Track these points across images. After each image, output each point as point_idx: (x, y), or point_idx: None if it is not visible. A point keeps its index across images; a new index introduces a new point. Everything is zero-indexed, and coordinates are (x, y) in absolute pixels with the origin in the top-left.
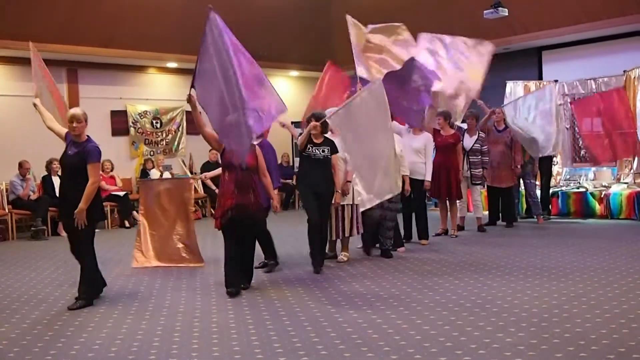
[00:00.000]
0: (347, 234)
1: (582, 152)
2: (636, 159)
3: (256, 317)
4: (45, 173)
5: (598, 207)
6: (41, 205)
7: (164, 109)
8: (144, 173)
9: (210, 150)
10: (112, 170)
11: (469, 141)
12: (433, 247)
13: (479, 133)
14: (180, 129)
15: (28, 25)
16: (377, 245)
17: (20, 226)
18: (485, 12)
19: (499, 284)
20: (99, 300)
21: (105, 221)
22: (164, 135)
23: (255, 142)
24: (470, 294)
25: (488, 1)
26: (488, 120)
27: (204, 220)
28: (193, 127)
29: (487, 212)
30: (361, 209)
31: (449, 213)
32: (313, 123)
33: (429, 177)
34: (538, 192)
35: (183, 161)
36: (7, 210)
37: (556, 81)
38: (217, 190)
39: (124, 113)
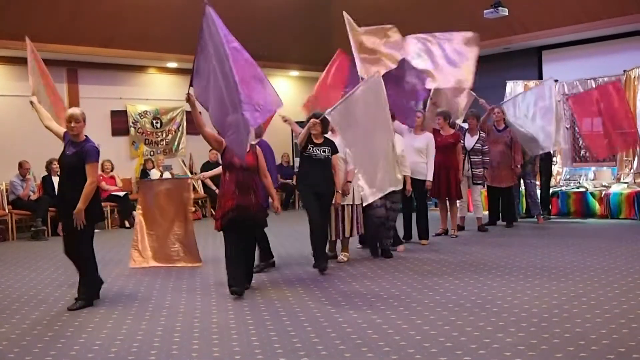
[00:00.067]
0: (347, 234)
1: (582, 151)
2: (636, 158)
3: (256, 318)
4: (45, 173)
5: (598, 207)
6: (41, 205)
7: (164, 109)
8: (144, 173)
9: (210, 150)
10: (112, 171)
11: (470, 141)
12: (433, 247)
13: (480, 133)
14: (180, 129)
15: (28, 25)
16: (377, 245)
17: (20, 226)
18: (485, 12)
19: (499, 284)
20: (98, 300)
21: (105, 221)
22: (164, 135)
23: (253, 142)
24: (470, 294)
25: (488, 1)
26: (488, 118)
27: (203, 220)
28: (193, 127)
29: (487, 212)
30: (364, 204)
31: (449, 213)
32: (313, 120)
33: (430, 177)
34: (538, 191)
35: (183, 161)
36: (7, 211)
37: (556, 81)
38: (217, 191)
39: (124, 113)
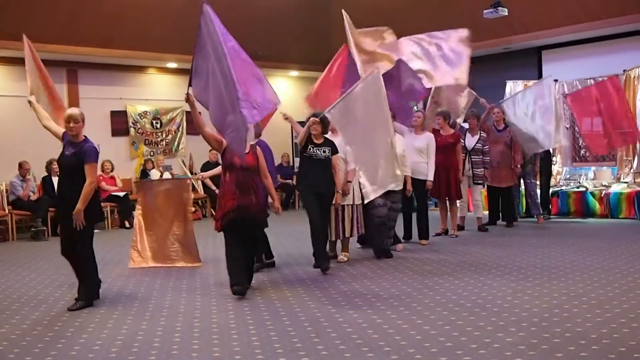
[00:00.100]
0: (347, 235)
1: (582, 151)
2: (636, 158)
3: (256, 318)
4: (45, 174)
5: (598, 207)
6: (41, 205)
7: (163, 109)
8: (144, 173)
9: (210, 151)
10: (112, 171)
11: (471, 141)
12: (433, 247)
13: (480, 133)
14: (180, 129)
15: (28, 25)
16: (383, 246)
17: (21, 227)
18: (485, 12)
19: (499, 283)
20: (98, 301)
21: (105, 221)
22: (164, 136)
23: (251, 142)
24: (470, 293)
25: (488, 1)
26: (487, 117)
27: (203, 220)
28: (193, 127)
29: (487, 212)
30: (366, 201)
31: (448, 213)
32: (312, 119)
33: (431, 177)
34: (538, 191)
35: (183, 161)
36: (7, 211)
37: (556, 81)
38: (217, 191)
39: (123, 113)
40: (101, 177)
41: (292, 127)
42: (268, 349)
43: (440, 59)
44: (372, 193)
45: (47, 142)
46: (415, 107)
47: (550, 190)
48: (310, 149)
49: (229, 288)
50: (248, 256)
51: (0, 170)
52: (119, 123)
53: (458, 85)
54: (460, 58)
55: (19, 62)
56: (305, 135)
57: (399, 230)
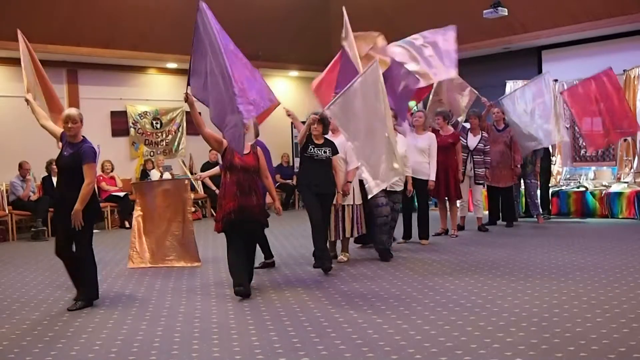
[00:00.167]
0: (347, 235)
1: (582, 151)
2: (636, 158)
3: (256, 318)
4: (46, 174)
5: (598, 207)
6: (41, 206)
7: (163, 110)
8: (144, 173)
9: (210, 151)
10: (112, 171)
11: (472, 140)
12: (433, 247)
13: (482, 133)
14: (180, 129)
15: (28, 25)
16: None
17: (21, 227)
18: (485, 12)
19: (499, 283)
20: (98, 301)
21: (105, 222)
22: (164, 136)
23: (251, 142)
24: (470, 293)
25: (488, 1)
26: (487, 115)
27: (203, 220)
28: (193, 127)
29: (487, 212)
30: (370, 196)
31: (448, 213)
32: (312, 116)
33: (433, 177)
34: (538, 192)
35: (183, 161)
36: (7, 211)
37: (556, 81)
38: (217, 191)
39: (124, 114)
40: (101, 177)
41: (292, 125)
42: (268, 349)
43: (435, 58)
44: (375, 188)
45: (47, 142)
46: (415, 108)
47: (550, 190)
48: (311, 149)
49: (229, 288)
50: (249, 257)
51: (0, 170)
52: (119, 123)
53: (460, 84)
54: (450, 54)
55: (20, 62)
56: (305, 134)
57: (399, 230)
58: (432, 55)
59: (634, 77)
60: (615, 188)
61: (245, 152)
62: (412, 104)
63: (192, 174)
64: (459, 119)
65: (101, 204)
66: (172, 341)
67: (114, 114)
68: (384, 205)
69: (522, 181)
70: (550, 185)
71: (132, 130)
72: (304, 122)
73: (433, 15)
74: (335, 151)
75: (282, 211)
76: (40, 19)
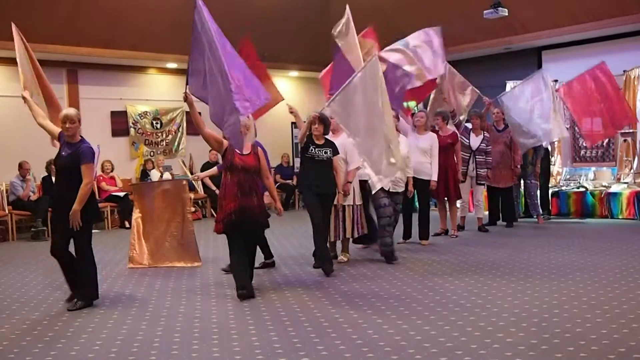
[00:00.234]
0: (348, 235)
1: (582, 151)
2: (636, 158)
3: (256, 318)
4: (46, 173)
5: (598, 207)
6: (41, 206)
7: (164, 110)
8: (144, 174)
9: (210, 151)
10: (112, 171)
11: (475, 141)
12: (433, 247)
13: (484, 133)
14: (180, 129)
15: (28, 25)
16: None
17: (21, 227)
18: (485, 12)
19: (499, 284)
20: (98, 301)
21: (106, 222)
22: (164, 136)
23: (250, 142)
24: (470, 294)
25: (488, 1)
26: (487, 112)
27: (204, 220)
28: (193, 127)
29: (487, 212)
30: (373, 192)
31: (448, 213)
32: (313, 114)
33: (435, 177)
34: (538, 192)
35: (183, 162)
36: (7, 211)
37: (556, 81)
38: (217, 191)
39: (124, 114)
40: (101, 178)
41: (292, 125)
42: (268, 349)
43: (427, 58)
44: (378, 183)
45: (47, 142)
46: (416, 108)
47: (550, 191)
48: (311, 150)
49: (230, 288)
50: (250, 257)
51: (0, 170)
52: (119, 123)
53: (461, 83)
54: (437, 52)
55: None
56: (305, 133)
57: (399, 230)
58: (423, 54)
59: (634, 77)
60: (615, 188)
61: (246, 152)
62: (412, 104)
63: (192, 174)
64: (461, 118)
65: (101, 204)
66: (172, 341)
67: (114, 114)
68: (387, 206)
69: (521, 181)
70: (550, 185)
71: (132, 130)
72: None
73: (433, 15)
74: (336, 151)
75: (283, 211)
76: (40, 19)
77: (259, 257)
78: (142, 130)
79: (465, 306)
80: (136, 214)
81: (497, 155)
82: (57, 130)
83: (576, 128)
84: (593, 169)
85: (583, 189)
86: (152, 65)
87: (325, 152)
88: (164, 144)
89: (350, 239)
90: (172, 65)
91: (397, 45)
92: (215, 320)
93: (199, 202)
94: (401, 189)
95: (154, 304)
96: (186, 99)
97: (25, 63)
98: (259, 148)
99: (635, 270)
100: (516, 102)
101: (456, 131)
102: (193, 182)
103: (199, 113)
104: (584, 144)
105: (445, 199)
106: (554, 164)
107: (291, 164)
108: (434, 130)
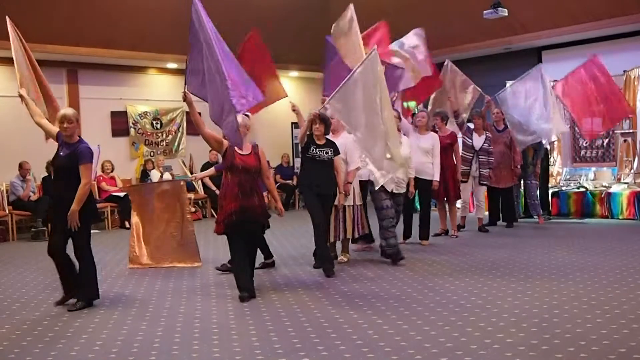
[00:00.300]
0: (348, 236)
1: (582, 152)
2: (636, 158)
3: (256, 318)
4: (46, 174)
5: (598, 207)
6: (41, 206)
7: (164, 110)
8: (144, 174)
9: (210, 151)
10: (112, 171)
11: (478, 141)
12: (433, 247)
13: (486, 133)
14: (180, 129)
15: (28, 25)
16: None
17: (21, 227)
18: (485, 12)
19: (499, 284)
20: (98, 301)
21: (105, 222)
22: (164, 136)
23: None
24: (470, 294)
25: (488, 1)
26: (487, 110)
27: (204, 220)
28: (193, 127)
29: (487, 213)
30: (376, 187)
31: (447, 213)
32: (314, 112)
33: (437, 177)
34: (538, 192)
35: (183, 162)
36: (7, 211)
37: (556, 81)
38: (217, 191)
39: (124, 114)
40: (101, 178)
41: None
42: (268, 349)
43: (419, 57)
44: (381, 178)
45: (47, 143)
46: (416, 108)
47: (550, 191)
48: (312, 150)
49: (230, 288)
50: (251, 258)
51: (0, 171)
52: (119, 123)
53: (463, 81)
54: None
55: None
56: (305, 132)
57: (399, 230)
58: (415, 54)
59: (634, 77)
60: (615, 189)
61: (247, 152)
62: (412, 104)
63: (192, 174)
64: (463, 116)
65: (101, 204)
66: (172, 341)
67: (114, 114)
68: (389, 207)
69: (521, 182)
70: (549, 185)
71: (132, 131)
72: None
73: (433, 15)
74: (337, 152)
75: (284, 212)
76: (40, 19)
77: (259, 257)
78: (142, 130)
79: (465, 306)
80: (134, 218)
81: (497, 156)
82: (54, 129)
83: (576, 128)
84: (593, 169)
85: (583, 189)
86: (152, 65)
87: (327, 152)
88: (164, 144)
89: (350, 240)
90: (172, 65)
91: (392, 47)
92: (216, 321)
93: (199, 202)
94: (403, 190)
95: (154, 304)
96: (185, 98)
97: (22, 59)
98: (260, 148)
99: (636, 270)
100: (515, 99)
101: (454, 131)
102: (193, 182)
103: (199, 113)
104: (584, 144)
105: (445, 199)
106: (554, 164)
107: (291, 164)
108: (433, 131)
